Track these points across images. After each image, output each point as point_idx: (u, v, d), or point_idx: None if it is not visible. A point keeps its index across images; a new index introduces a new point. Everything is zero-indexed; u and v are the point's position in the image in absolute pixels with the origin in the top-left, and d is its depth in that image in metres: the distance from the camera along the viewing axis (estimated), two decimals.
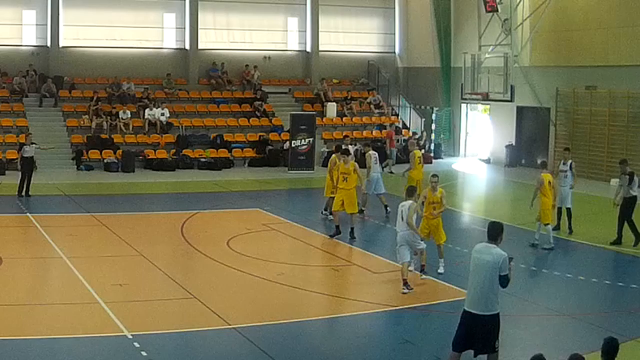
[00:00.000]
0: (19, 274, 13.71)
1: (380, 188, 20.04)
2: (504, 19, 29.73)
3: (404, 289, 12.88)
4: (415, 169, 20.17)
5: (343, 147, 18.72)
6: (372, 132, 33.17)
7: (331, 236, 17.17)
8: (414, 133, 32.64)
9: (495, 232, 8.80)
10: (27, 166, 21.56)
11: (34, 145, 22.03)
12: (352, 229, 17.05)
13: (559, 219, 17.77)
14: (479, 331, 8.65)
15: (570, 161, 18.32)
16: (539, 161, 29.47)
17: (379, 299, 12.76)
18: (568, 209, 17.83)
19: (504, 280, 8.65)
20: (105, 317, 11.20)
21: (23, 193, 21.31)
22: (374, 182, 19.85)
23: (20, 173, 21.59)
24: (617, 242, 16.74)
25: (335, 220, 17.35)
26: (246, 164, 29.94)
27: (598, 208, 19.99)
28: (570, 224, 17.77)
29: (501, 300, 12.83)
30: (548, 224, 16.43)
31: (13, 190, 22.65)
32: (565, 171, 18.09)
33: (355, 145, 31.95)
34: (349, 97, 34.32)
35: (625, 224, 16.75)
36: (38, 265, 14.65)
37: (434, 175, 14.83)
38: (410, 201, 13.35)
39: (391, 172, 27.70)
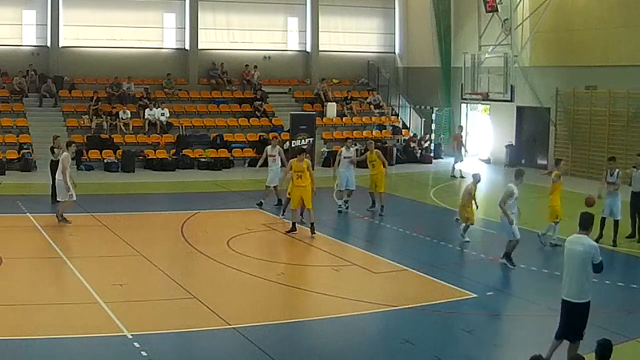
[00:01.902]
0: (19, 274, 13.71)
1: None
2: (504, 19, 29.69)
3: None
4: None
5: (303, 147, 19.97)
6: (372, 132, 33.17)
7: (287, 232, 17.51)
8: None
9: (586, 222, 9.38)
10: (55, 170, 20.43)
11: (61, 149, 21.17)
12: (312, 224, 17.29)
13: (602, 229, 16.99)
14: (571, 318, 9.22)
15: (617, 170, 17.23)
16: (538, 161, 29.59)
17: (379, 299, 12.76)
18: (617, 222, 16.90)
19: (597, 268, 9.25)
20: (105, 317, 11.20)
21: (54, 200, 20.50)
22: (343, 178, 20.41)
23: (50, 178, 20.57)
24: (632, 235, 17.00)
25: (294, 218, 17.65)
26: (246, 164, 29.93)
27: (598, 207, 19.95)
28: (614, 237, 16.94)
29: (501, 300, 12.96)
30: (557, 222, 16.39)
31: (13, 190, 22.67)
32: (614, 182, 17.07)
33: (355, 145, 31.99)
34: (349, 97, 34.33)
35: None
36: (38, 265, 14.64)
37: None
38: (511, 184, 15.00)
39: (462, 177, 27.46)
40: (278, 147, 21.36)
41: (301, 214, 18.25)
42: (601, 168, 26.50)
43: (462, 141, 29.04)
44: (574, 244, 9.32)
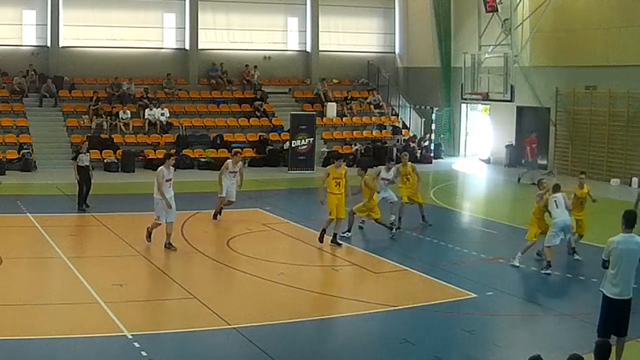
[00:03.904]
0: (19, 274, 13.71)
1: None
2: (504, 19, 29.71)
3: (546, 270, 14.25)
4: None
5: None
6: (372, 132, 33.19)
7: (339, 244, 16.40)
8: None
9: (634, 220, 9.42)
10: (85, 175, 19.77)
11: (89, 153, 20.48)
12: (335, 234, 16.34)
13: None
14: (625, 315, 9.32)
15: None
16: (538, 161, 29.43)
17: (379, 299, 12.76)
18: None
19: None
20: (105, 317, 11.19)
21: (83, 205, 19.71)
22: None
23: (77, 184, 19.83)
24: None
25: (328, 225, 16.48)
26: (246, 164, 29.89)
27: (598, 208, 19.95)
28: None
29: (501, 300, 12.96)
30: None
31: (13, 190, 22.67)
32: None
33: (356, 145, 32.02)
34: (349, 97, 34.33)
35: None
36: (38, 265, 14.65)
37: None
38: (560, 193, 14.81)
39: (533, 183, 25.78)
40: (241, 163, 19.35)
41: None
42: (601, 168, 26.60)
43: (534, 147, 26.71)
44: (628, 243, 9.29)
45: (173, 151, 29.00)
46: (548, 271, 14.39)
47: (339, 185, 16.41)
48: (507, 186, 27.25)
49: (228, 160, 19.23)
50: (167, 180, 15.89)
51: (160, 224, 15.78)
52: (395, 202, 18.39)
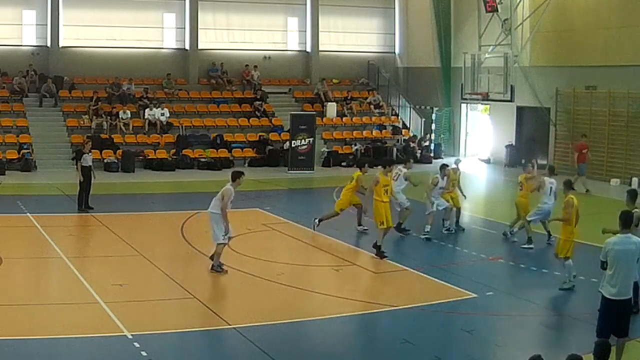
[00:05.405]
0: (19, 274, 13.71)
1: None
2: (504, 19, 29.71)
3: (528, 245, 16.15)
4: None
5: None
6: (372, 132, 33.19)
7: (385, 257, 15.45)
8: None
9: (631, 220, 9.46)
10: (87, 176, 19.54)
11: (91, 153, 20.11)
12: (379, 245, 15.61)
13: None
14: (625, 315, 9.35)
15: None
16: (538, 161, 29.31)
17: (379, 299, 12.77)
18: None
19: None
20: (105, 317, 11.20)
21: (83, 206, 19.51)
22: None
23: (78, 184, 19.62)
24: None
25: (382, 239, 15.58)
26: (246, 164, 29.92)
27: (598, 208, 19.96)
28: None
29: (501, 300, 12.95)
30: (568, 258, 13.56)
31: (13, 190, 22.67)
32: None
33: (356, 145, 32.01)
34: (349, 97, 34.33)
35: None
36: (38, 265, 14.65)
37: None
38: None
39: (587, 190, 23.65)
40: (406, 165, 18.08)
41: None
42: (601, 168, 26.60)
43: (584, 152, 24.91)
44: (624, 244, 9.23)
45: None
46: (530, 246, 15.76)
47: (387, 193, 15.62)
48: (507, 186, 27.23)
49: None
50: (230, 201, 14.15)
51: (225, 244, 14.23)
52: (448, 208, 18.05)
